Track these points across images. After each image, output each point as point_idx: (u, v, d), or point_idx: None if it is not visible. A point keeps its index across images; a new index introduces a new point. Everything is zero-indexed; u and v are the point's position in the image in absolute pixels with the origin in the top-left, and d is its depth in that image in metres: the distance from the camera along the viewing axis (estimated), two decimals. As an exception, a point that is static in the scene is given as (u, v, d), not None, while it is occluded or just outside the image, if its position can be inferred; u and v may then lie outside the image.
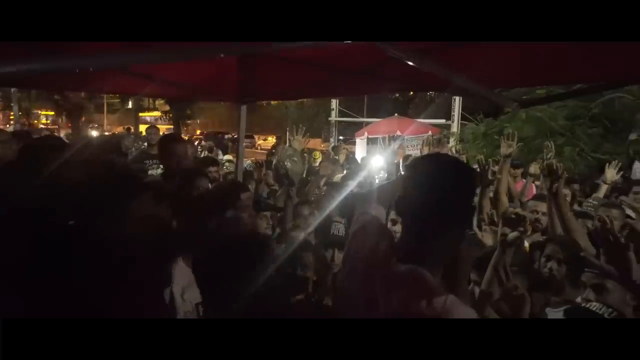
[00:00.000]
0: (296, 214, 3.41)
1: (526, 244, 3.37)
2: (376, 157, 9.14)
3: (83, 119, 27.06)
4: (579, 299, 2.25)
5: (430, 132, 10.28)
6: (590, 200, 3.97)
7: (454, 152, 10.84)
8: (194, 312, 1.83)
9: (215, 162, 4.32)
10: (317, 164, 6.63)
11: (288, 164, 3.12)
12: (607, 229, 1.71)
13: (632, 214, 3.61)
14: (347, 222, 3.70)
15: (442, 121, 11.74)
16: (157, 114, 36.61)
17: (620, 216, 3.44)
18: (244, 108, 3.01)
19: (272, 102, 29.46)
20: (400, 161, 7.77)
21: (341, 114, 15.42)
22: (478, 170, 3.27)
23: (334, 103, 14.64)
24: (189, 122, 29.55)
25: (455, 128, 10.98)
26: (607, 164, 4.45)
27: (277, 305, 1.60)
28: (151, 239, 1.51)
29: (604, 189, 4.22)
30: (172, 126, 26.19)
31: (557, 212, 2.84)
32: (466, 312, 1.11)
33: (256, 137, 35.98)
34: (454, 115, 11.27)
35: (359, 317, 1.17)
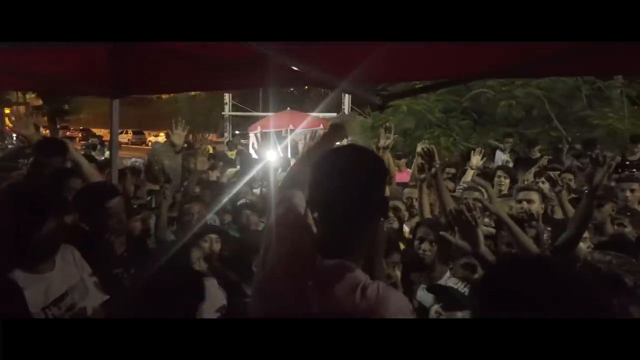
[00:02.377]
0: (185, 212, 3.32)
1: (407, 228, 3.67)
2: (270, 152, 9.20)
3: None
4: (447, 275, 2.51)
5: (321, 126, 10.57)
6: (462, 184, 4.42)
7: (342, 144, 11.26)
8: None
9: (92, 160, 4.03)
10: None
11: (165, 161, 3.00)
12: (462, 210, 1.90)
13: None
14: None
15: (334, 115, 12.15)
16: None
17: (492, 194, 3.92)
18: (115, 102, 2.83)
19: (163, 97, 27.99)
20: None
21: (235, 108, 15.20)
22: None
23: (227, 97, 14.37)
24: (67, 118, 26.87)
25: (345, 121, 11.41)
26: (472, 151, 4.99)
27: (170, 303, 1.56)
28: None
29: (470, 173, 4.72)
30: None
31: (436, 195, 3.05)
32: (399, 297, 1.12)
33: (146, 133, 34.03)
34: (344, 108, 11.72)
35: (288, 317, 1.12)
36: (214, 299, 1.82)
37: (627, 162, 6.15)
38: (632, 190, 3.90)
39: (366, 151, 1.30)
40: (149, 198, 3.63)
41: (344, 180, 1.17)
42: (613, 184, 4.52)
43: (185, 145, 7.80)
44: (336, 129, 1.72)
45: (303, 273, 1.17)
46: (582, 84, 8.12)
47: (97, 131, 21.01)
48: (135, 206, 2.75)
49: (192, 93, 23.49)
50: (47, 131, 21.62)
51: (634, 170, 5.89)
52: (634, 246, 3.15)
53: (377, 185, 1.21)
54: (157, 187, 4.13)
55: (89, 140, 12.44)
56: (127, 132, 34.96)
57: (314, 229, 1.25)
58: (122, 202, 2.14)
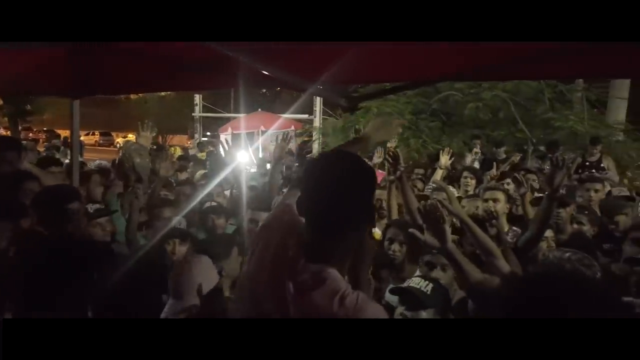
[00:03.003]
0: (154, 216, 3.25)
1: (379, 231, 3.70)
2: (241, 153, 9.13)
3: None
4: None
5: (292, 127, 10.56)
6: (431, 184, 4.50)
7: (315, 146, 11.27)
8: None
9: (57, 162, 3.90)
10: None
11: (137, 159, 2.93)
12: (431, 209, 1.94)
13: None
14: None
15: (305, 116, 12.16)
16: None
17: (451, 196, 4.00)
18: (76, 103, 2.75)
19: (131, 97, 27.37)
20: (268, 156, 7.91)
21: (206, 109, 15.00)
22: None
23: (197, 98, 14.18)
24: (29, 119, 25.92)
25: (317, 122, 11.45)
26: (441, 151, 5.09)
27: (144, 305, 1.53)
28: None
29: (439, 173, 4.82)
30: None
31: (402, 196, 3.11)
32: (376, 309, 1.12)
33: (115, 134, 33.22)
34: (316, 110, 11.74)
35: (266, 317, 1.13)
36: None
37: (587, 163, 6.40)
38: (596, 190, 4.05)
39: (354, 158, 1.31)
40: (117, 200, 3.54)
41: (332, 187, 1.18)
42: (575, 183, 4.69)
43: (154, 147, 7.67)
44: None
45: (285, 276, 1.17)
46: (545, 88, 8.38)
47: (63, 132, 20.37)
48: (94, 210, 2.66)
49: (162, 94, 23.06)
50: (9, 132, 20.82)
51: (593, 170, 6.12)
52: (591, 243, 3.28)
53: (365, 192, 1.21)
54: (125, 189, 4.05)
55: (51, 142, 12.05)
56: (93, 134, 34.06)
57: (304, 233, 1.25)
58: (83, 206, 2.07)
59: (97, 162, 5.86)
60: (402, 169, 3.04)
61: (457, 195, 4.34)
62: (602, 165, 6.36)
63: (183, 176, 5.59)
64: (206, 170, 5.95)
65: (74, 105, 2.70)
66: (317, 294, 1.11)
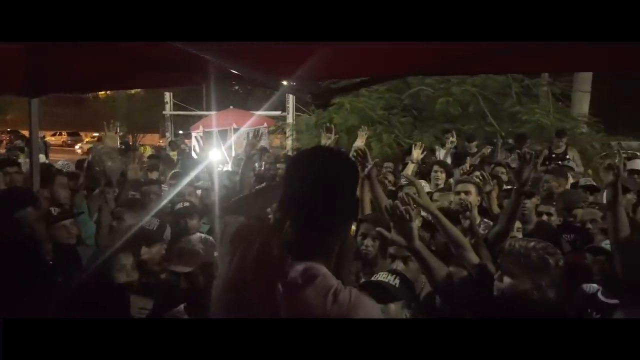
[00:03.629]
0: (120, 217, 3.17)
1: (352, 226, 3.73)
2: (213, 151, 9.02)
3: None
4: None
5: (265, 124, 10.50)
6: (403, 177, 4.56)
7: (288, 142, 11.22)
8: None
9: (13, 162, 3.77)
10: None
11: (108, 163, 2.86)
12: (396, 206, 1.95)
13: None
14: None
15: (278, 113, 12.11)
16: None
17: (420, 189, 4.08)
18: (34, 102, 2.65)
19: (100, 96, 26.66)
20: (242, 153, 7.83)
21: (177, 107, 14.75)
22: None
23: (168, 96, 13.93)
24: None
25: (290, 119, 11.42)
26: (413, 145, 5.15)
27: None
28: None
29: (411, 167, 4.88)
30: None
31: (371, 193, 3.15)
32: (370, 305, 1.11)
33: (82, 134, 32.33)
34: (288, 107, 11.70)
35: (254, 317, 1.11)
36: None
37: (553, 155, 6.58)
38: (559, 184, 4.18)
39: (338, 153, 1.31)
40: (84, 203, 3.45)
41: (316, 182, 1.17)
42: (542, 175, 4.82)
43: (122, 146, 7.50)
44: None
45: (272, 277, 1.15)
46: (512, 82, 8.58)
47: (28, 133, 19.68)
48: (57, 212, 2.58)
49: (133, 91, 22.53)
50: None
51: (559, 162, 6.31)
52: (556, 233, 3.39)
53: (348, 187, 1.21)
54: (90, 192, 3.93)
55: (13, 143, 11.63)
56: (61, 134, 33.08)
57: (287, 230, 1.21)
58: (39, 210, 2.00)
59: (60, 162, 5.68)
60: (370, 165, 3.07)
61: (428, 189, 4.42)
62: (567, 156, 6.56)
63: (154, 175, 5.48)
64: (177, 170, 5.85)
65: (32, 104, 2.61)
66: (309, 292, 1.10)
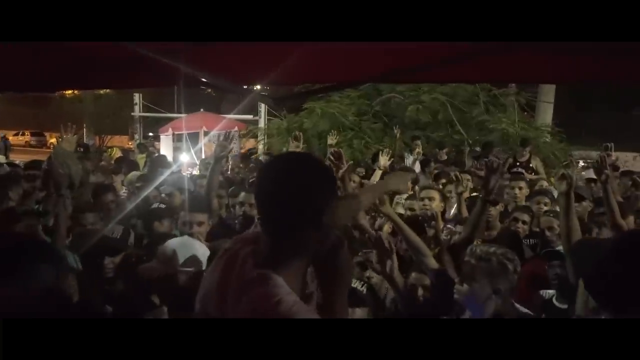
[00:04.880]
0: (80, 222, 3.08)
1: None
2: (182, 154, 8.90)
3: None
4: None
5: (236, 128, 10.41)
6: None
7: (260, 147, 11.16)
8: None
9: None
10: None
11: (73, 166, 2.75)
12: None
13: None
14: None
15: (250, 117, 12.03)
16: None
17: (381, 198, 4.14)
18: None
19: (66, 95, 25.88)
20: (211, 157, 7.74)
21: (146, 108, 14.47)
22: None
23: (137, 97, 13.65)
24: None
25: (262, 123, 11.37)
26: (380, 151, 5.21)
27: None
28: None
29: (378, 173, 4.93)
30: None
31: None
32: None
33: (48, 134, 31.29)
34: (260, 111, 11.65)
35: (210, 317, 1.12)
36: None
37: (518, 163, 6.76)
38: (520, 188, 4.30)
39: (305, 159, 1.27)
40: (36, 206, 3.32)
41: (275, 187, 1.14)
42: (506, 183, 4.94)
43: (81, 149, 7.27)
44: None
45: (231, 279, 1.16)
46: (480, 91, 8.80)
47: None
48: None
49: (101, 92, 21.95)
50: None
51: (523, 170, 6.49)
52: (518, 238, 3.48)
53: (314, 194, 1.14)
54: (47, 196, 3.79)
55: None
56: (24, 134, 31.94)
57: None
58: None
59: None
60: (344, 168, 3.09)
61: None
62: (531, 165, 6.75)
63: (118, 179, 5.35)
64: (142, 172, 5.72)
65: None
66: (254, 295, 1.09)
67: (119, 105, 20.37)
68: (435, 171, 5.59)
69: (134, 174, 5.24)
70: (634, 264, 1.24)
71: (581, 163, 7.67)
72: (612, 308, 1.32)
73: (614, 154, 6.12)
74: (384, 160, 5.01)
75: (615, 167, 6.99)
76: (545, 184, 4.94)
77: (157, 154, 8.90)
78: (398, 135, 7.42)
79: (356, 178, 5.10)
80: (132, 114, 14.08)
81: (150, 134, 16.75)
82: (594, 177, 4.61)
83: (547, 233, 3.22)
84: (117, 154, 9.62)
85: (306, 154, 1.43)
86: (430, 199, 3.67)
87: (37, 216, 2.89)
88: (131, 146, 13.84)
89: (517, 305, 2.27)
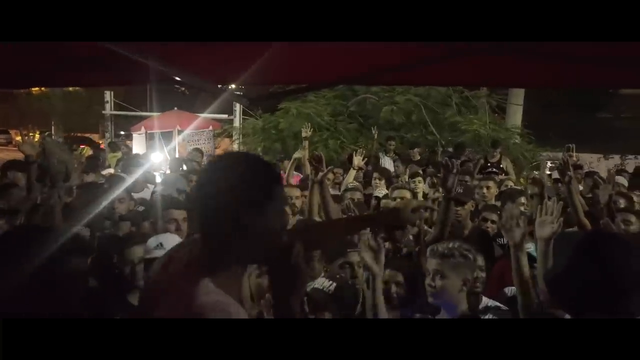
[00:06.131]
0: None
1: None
2: (155, 154, 8.75)
3: None
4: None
5: (210, 127, 10.31)
6: (349, 186, 4.63)
7: (235, 146, 11.08)
8: None
9: None
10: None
11: (66, 157, 2.63)
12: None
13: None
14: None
15: (225, 116, 11.91)
16: None
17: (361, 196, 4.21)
18: None
19: (33, 92, 25.07)
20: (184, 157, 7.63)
21: (118, 107, 14.14)
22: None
23: (108, 95, 13.32)
24: None
25: (237, 123, 11.28)
26: (354, 152, 5.27)
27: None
28: None
29: (352, 173, 4.99)
30: None
31: (320, 198, 3.20)
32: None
33: (13, 132, 30.24)
34: (235, 110, 11.55)
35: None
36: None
37: (489, 164, 6.94)
38: (488, 188, 4.41)
39: (247, 158, 1.22)
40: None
41: (204, 190, 1.13)
42: (477, 183, 5.06)
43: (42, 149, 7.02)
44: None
45: (163, 282, 1.15)
46: (453, 93, 8.98)
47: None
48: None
49: (71, 89, 21.33)
50: None
51: (494, 169, 6.65)
52: (489, 237, 3.57)
53: (253, 196, 1.09)
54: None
55: None
56: (-13, 131, 30.79)
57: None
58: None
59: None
60: (324, 171, 3.16)
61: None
62: (501, 165, 6.93)
63: (89, 178, 5.23)
64: (112, 171, 5.61)
65: None
66: (176, 296, 1.08)
67: (89, 102, 19.86)
68: (409, 171, 5.67)
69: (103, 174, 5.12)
70: (591, 265, 1.29)
71: (549, 164, 7.90)
72: (567, 306, 1.38)
73: (576, 154, 6.35)
74: (357, 161, 5.06)
75: (578, 166, 7.26)
76: (510, 183, 5.08)
77: (129, 153, 8.73)
78: (376, 136, 7.51)
79: (330, 175, 5.12)
80: (103, 112, 13.72)
81: (122, 132, 16.37)
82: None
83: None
84: (88, 152, 9.39)
85: (245, 153, 1.39)
86: (403, 198, 3.74)
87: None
88: (102, 145, 13.53)
89: (486, 299, 2.37)
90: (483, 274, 2.26)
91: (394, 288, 2.24)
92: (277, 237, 1.15)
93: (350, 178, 4.84)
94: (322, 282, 2.02)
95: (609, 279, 1.26)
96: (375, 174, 5.05)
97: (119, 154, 8.86)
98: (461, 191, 3.43)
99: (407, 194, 3.78)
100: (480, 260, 2.17)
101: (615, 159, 12.91)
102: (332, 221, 2.72)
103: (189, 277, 1.09)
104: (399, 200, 3.69)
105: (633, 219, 3.18)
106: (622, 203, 3.68)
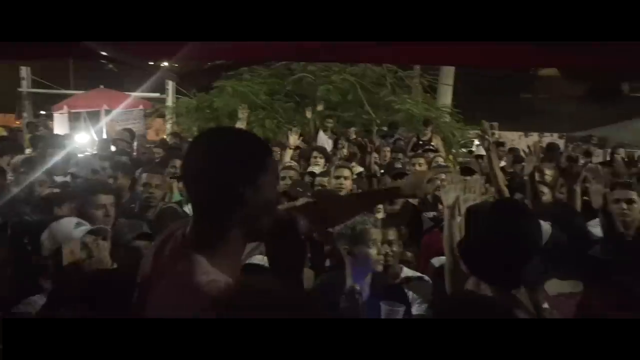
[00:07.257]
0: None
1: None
2: (80, 134, 8.24)
3: None
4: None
5: (141, 106, 9.86)
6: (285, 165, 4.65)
7: (168, 126, 10.68)
8: None
9: None
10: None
11: None
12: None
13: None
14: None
15: (157, 95, 11.41)
16: None
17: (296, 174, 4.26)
18: None
19: None
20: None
21: (37, 84, 13.06)
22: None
23: (25, 71, 12.25)
24: None
25: (170, 102, 10.86)
26: (289, 130, 5.28)
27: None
28: None
29: (289, 152, 5.00)
30: None
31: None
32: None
33: None
34: (168, 89, 11.10)
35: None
36: None
37: (420, 142, 7.23)
38: (420, 164, 4.62)
39: (229, 135, 1.19)
40: None
41: (196, 164, 1.10)
42: (407, 160, 5.27)
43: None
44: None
45: (160, 261, 1.14)
46: (387, 73, 9.18)
47: None
48: None
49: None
50: None
51: (426, 147, 6.94)
52: (418, 211, 3.76)
53: (240, 172, 1.07)
54: None
55: None
56: None
57: None
58: None
59: None
60: None
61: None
62: (432, 143, 7.24)
63: (3, 162, 4.82)
64: (29, 155, 5.22)
65: None
66: (172, 274, 1.07)
67: (2, 79, 18.15)
68: (343, 150, 5.78)
69: (18, 157, 4.76)
70: (497, 233, 1.40)
71: (476, 142, 8.36)
72: (479, 273, 1.48)
73: (499, 132, 6.80)
74: (293, 139, 5.08)
75: (499, 143, 7.76)
76: (440, 160, 5.35)
77: (49, 134, 8.13)
78: (314, 112, 7.51)
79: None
80: (19, 89, 12.62)
81: (42, 112, 15.20)
82: (483, 153, 5.09)
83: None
84: (2, 133, 8.67)
85: (232, 127, 1.37)
86: (345, 177, 3.83)
87: None
88: (19, 125, 12.48)
89: (407, 269, 2.55)
90: (395, 248, 2.48)
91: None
92: (272, 211, 1.14)
93: (287, 157, 4.85)
94: (262, 259, 2.02)
95: (513, 246, 1.38)
96: (315, 152, 5.09)
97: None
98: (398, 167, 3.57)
99: (347, 172, 3.87)
100: (392, 235, 2.41)
101: (534, 137, 13.88)
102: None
103: (184, 256, 1.08)
104: (341, 179, 3.78)
105: (546, 190, 3.46)
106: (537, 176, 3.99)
